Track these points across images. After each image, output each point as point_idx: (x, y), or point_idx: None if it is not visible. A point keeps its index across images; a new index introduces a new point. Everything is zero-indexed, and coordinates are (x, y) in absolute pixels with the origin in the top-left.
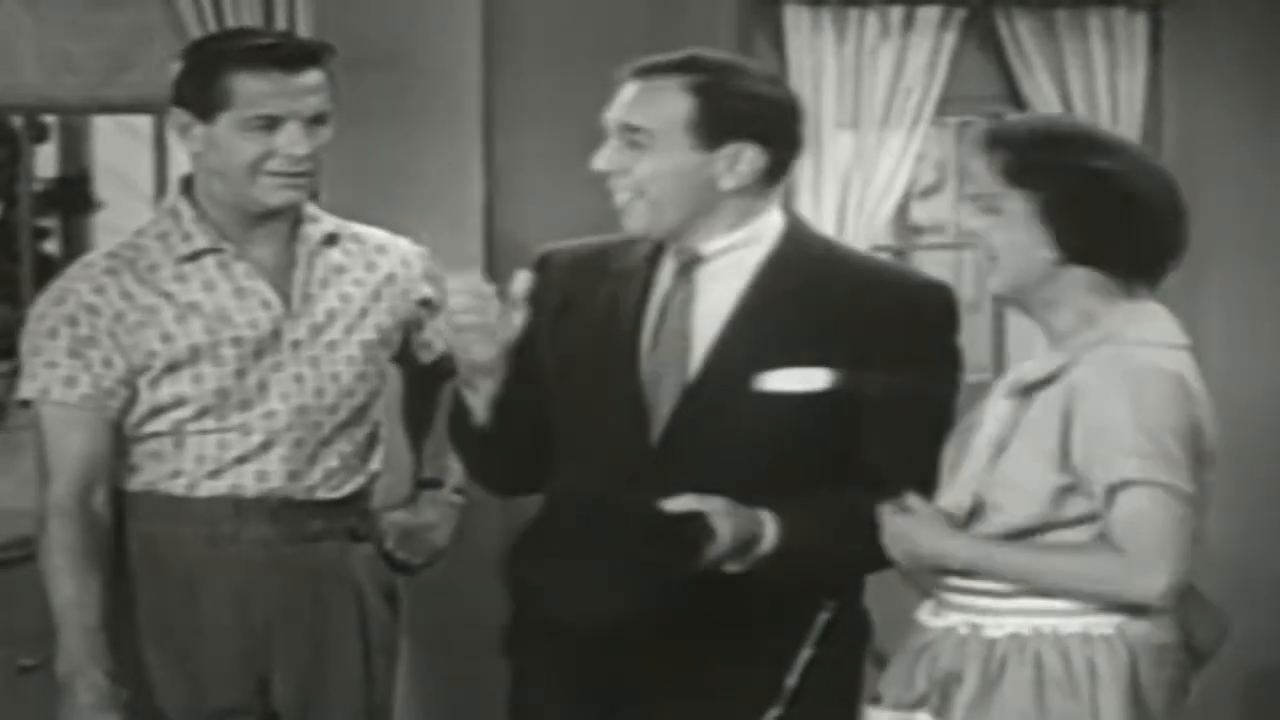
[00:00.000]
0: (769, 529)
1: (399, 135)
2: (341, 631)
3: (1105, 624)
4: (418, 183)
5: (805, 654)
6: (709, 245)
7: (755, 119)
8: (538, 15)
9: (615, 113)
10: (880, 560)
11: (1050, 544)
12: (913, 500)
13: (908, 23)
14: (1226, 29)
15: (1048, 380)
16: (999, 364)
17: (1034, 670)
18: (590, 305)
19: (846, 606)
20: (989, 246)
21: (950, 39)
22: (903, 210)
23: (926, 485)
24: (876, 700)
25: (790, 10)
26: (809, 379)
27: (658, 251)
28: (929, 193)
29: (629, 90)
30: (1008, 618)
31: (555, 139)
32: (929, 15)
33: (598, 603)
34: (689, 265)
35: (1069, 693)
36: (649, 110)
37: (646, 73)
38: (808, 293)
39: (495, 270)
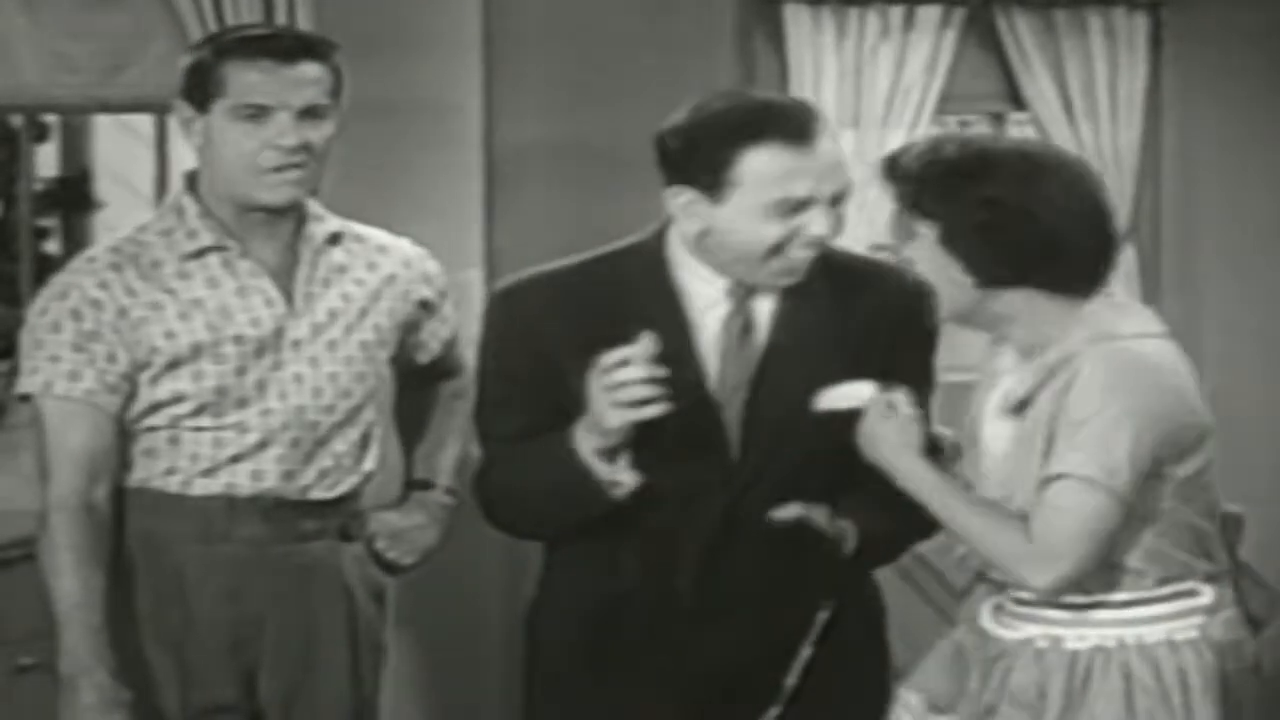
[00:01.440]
0: (850, 535)
1: (398, 132)
2: (330, 630)
3: (1189, 627)
4: (417, 179)
5: (805, 653)
6: None
7: None
8: (537, 13)
9: (833, 183)
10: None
11: (982, 503)
12: (899, 399)
13: (908, 22)
14: (1226, 27)
15: (1042, 391)
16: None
17: (1123, 682)
18: (615, 335)
19: (858, 590)
20: (923, 273)
21: (950, 38)
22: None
23: None
24: (938, 710)
25: (790, 9)
26: (861, 394)
27: (659, 269)
28: None
29: (833, 152)
30: (1090, 629)
31: (555, 136)
32: (929, 14)
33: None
34: (750, 292)
35: (1160, 700)
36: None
37: (821, 129)
38: (836, 301)
39: (494, 265)
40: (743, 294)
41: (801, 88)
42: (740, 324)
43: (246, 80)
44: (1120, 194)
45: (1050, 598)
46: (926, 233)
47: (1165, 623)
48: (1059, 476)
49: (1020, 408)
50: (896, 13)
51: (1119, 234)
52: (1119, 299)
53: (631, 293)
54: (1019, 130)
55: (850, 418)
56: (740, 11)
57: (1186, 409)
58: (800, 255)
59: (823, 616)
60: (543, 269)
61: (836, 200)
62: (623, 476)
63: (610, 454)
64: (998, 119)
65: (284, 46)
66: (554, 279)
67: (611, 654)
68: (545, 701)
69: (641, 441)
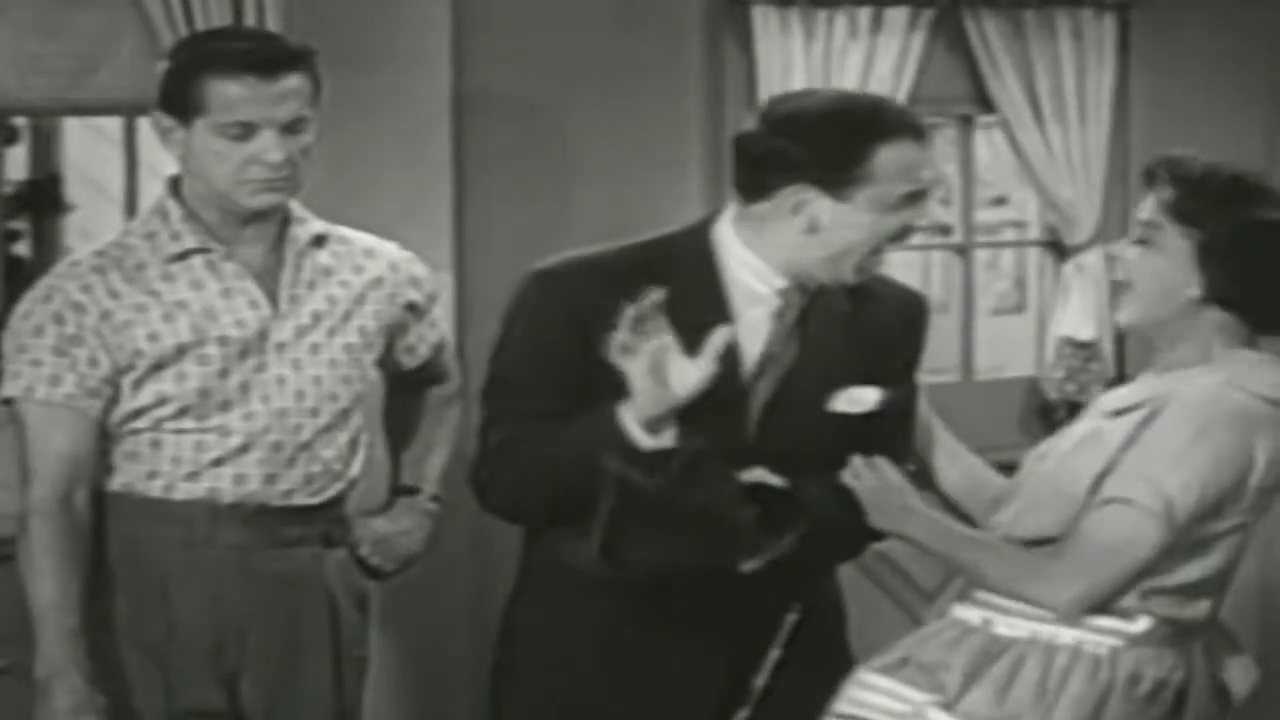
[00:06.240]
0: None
1: (369, 134)
2: (312, 636)
3: (1101, 644)
4: (387, 181)
5: (774, 655)
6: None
7: None
8: (506, 15)
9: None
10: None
11: (990, 541)
12: (880, 463)
13: (876, 24)
14: (1194, 29)
15: (1135, 406)
16: (967, 366)
17: (1009, 671)
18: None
19: (826, 594)
20: (1132, 275)
21: (918, 40)
22: None
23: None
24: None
25: (759, 11)
26: (868, 399)
27: (705, 259)
28: None
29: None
30: (1021, 620)
31: (525, 139)
32: (897, 16)
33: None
34: (801, 292)
35: (1034, 694)
36: None
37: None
38: (848, 308)
39: (464, 270)
40: (796, 295)
41: (770, 89)
42: (791, 321)
43: (229, 96)
44: (1088, 196)
45: (1067, 617)
46: (1177, 239)
47: (1081, 631)
48: (1117, 500)
49: (1118, 414)
50: (864, 14)
51: None
52: (1266, 357)
53: (676, 280)
54: (986, 133)
55: (852, 420)
56: (708, 13)
57: (1258, 470)
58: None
59: (791, 618)
60: (583, 252)
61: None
62: (666, 445)
63: (655, 425)
64: (966, 121)
65: (265, 60)
66: (598, 263)
67: (589, 648)
68: (519, 695)
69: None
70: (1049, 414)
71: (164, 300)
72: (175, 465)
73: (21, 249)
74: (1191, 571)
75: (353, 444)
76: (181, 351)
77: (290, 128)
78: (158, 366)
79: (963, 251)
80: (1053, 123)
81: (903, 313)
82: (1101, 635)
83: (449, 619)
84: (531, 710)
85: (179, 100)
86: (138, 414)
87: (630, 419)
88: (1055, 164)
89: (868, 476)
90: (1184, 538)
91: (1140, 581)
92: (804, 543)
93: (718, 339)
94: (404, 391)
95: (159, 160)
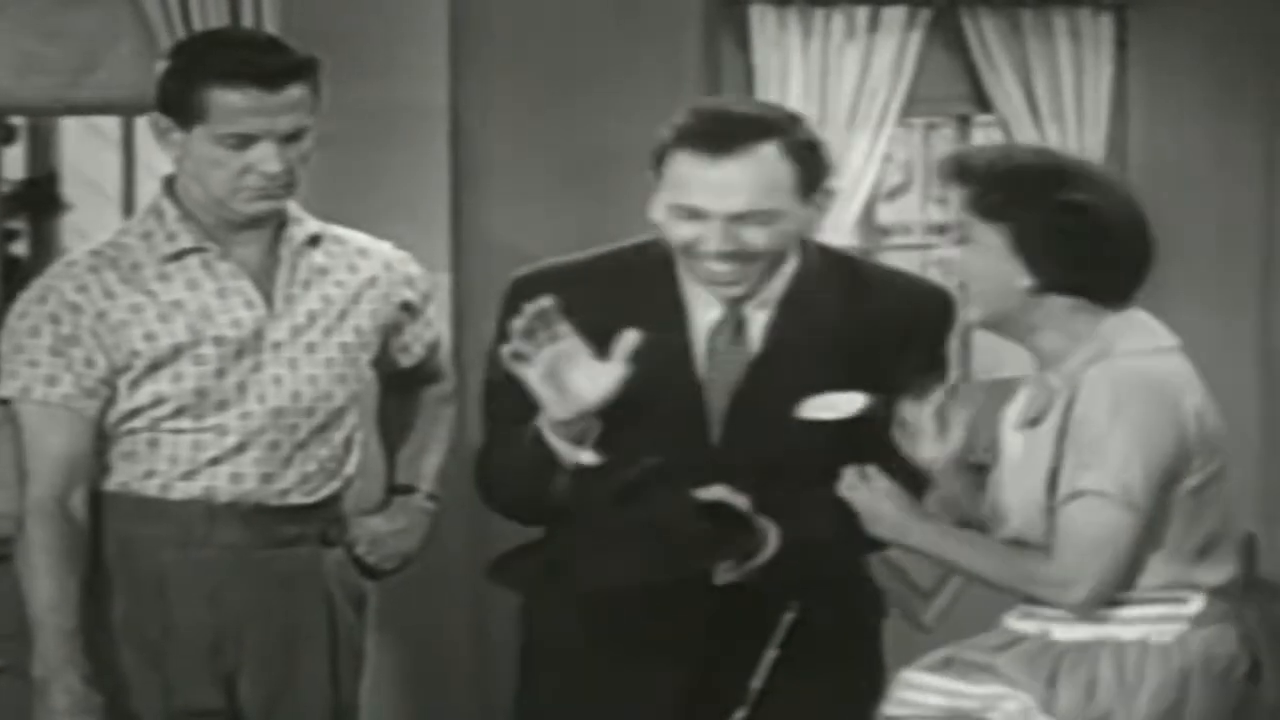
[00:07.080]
0: (770, 539)
1: (366, 137)
2: (310, 636)
3: (1166, 633)
4: (384, 184)
5: (770, 655)
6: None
7: (827, 160)
8: (504, 17)
9: (727, 203)
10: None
11: (990, 543)
12: (872, 472)
13: (873, 23)
14: (1191, 29)
15: (1049, 405)
16: (965, 366)
17: (1088, 676)
18: (619, 327)
19: (847, 588)
20: (962, 275)
21: (916, 39)
22: (869, 211)
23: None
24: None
25: (756, 10)
26: (845, 405)
27: (666, 267)
28: (895, 194)
29: (730, 171)
30: (1079, 625)
31: (521, 140)
32: (895, 15)
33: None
34: (744, 298)
35: (1117, 694)
36: (766, 191)
37: (730, 145)
38: (840, 309)
39: (462, 273)
40: (733, 301)
41: (767, 89)
42: (730, 329)
43: (230, 107)
44: None
45: (1084, 613)
46: (990, 235)
47: (1143, 625)
48: (1076, 495)
49: (1032, 423)
50: (862, 14)
51: (1153, 253)
52: (1134, 314)
53: (637, 287)
54: (984, 133)
55: (833, 427)
56: (705, 12)
57: (1189, 423)
58: (711, 267)
59: (788, 618)
60: (557, 260)
61: (739, 219)
62: (582, 456)
63: (573, 433)
64: (964, 121)
65: (269, 71)
66: (565, 271)
67: (604, 640)
68: (542, 691)
69: (626, 419)
70: None
71: (160, 300)
72: (172, 465)
73: (19, 248)
74: (1197, 533)
75: (348, 443)
76: (178, 352)
77: (290, 137)
78: (154, 367)
79: None
80: (1050, 122)
81: (911, 310)
82: (1164, 624)
83: (447, 618)
84: (539, 713)
85: (179, 105)
86: (134, 414)
87: (547, 427)
88: None
89: (860, 488)
90: (1160, 509)
91: (1143, 556)
92: (790, 555)
93: (626, 341)
94: (399, 391)
95: (156, 160)
